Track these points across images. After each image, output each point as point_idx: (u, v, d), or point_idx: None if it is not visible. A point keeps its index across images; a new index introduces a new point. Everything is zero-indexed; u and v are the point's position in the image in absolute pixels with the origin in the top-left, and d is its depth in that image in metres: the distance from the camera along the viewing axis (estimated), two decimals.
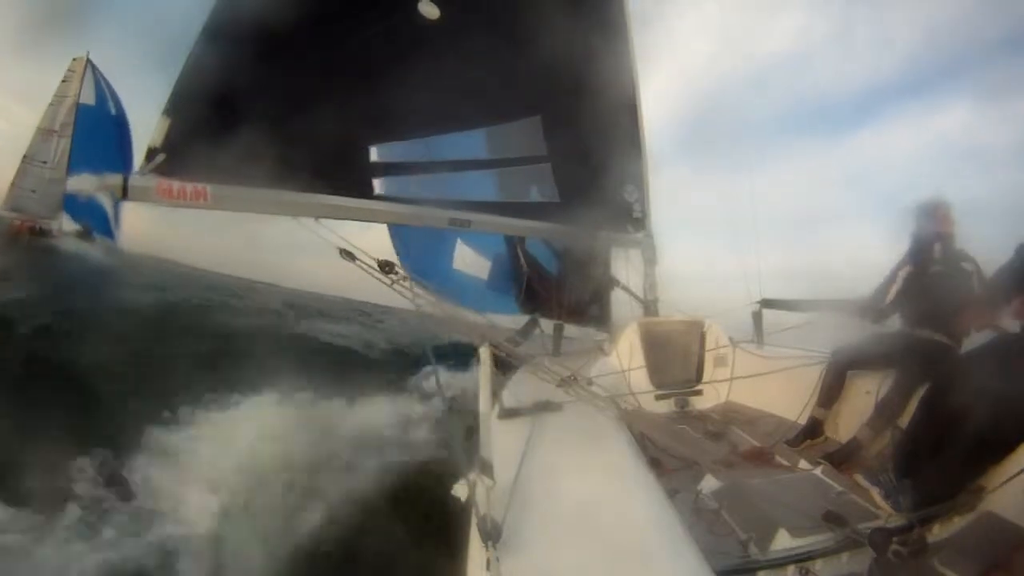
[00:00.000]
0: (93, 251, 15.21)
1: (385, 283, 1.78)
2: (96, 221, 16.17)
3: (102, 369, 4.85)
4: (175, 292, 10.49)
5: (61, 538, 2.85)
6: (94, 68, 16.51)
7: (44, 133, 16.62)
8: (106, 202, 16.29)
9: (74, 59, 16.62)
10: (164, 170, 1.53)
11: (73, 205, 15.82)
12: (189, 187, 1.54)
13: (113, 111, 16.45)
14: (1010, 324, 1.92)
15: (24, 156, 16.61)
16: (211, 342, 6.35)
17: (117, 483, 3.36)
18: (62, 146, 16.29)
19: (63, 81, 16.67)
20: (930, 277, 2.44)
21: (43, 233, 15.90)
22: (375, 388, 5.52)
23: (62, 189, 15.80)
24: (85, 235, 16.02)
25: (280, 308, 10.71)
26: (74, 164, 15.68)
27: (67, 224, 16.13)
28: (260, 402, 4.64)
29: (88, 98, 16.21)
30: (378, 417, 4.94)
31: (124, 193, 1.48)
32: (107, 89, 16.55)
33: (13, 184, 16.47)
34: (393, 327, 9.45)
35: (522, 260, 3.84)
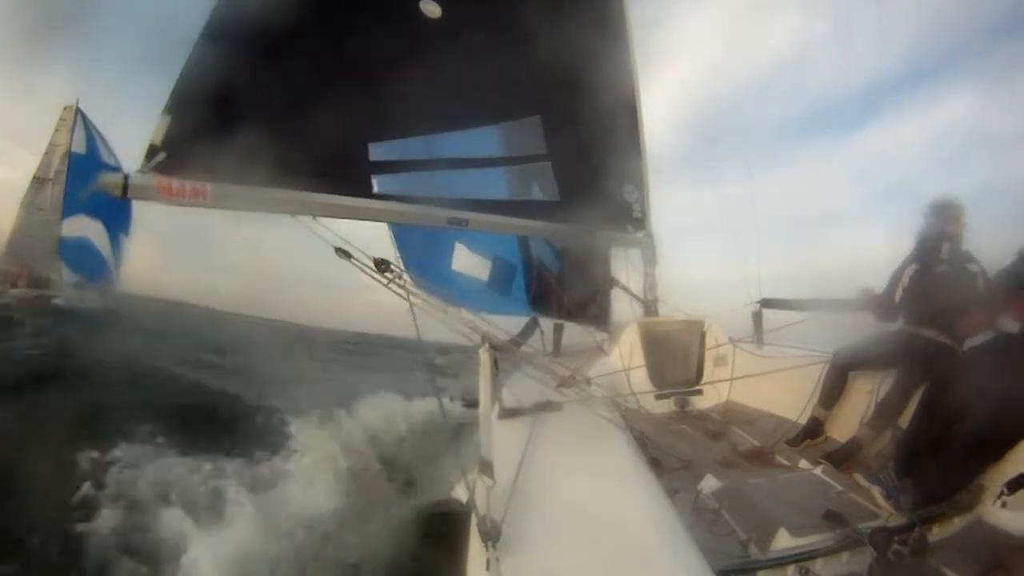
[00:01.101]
0: (90, 299, 15.34)
1: (381, 282, 1.77)
2: (93, 268, 16.28)
3: None
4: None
5: None
6: (84, 117, 16.77)
7: (39, 182, 17.01)
8: (103, 247, 16.42)
9: (64, 108, 16.95)
10: (164, 168, 1.52)
11: (70, 253, 15.98)
12: (188, 185, 1.53)
13: (105, 158, 16.58)
14: (1009, 325, 1.92)
15: (22, 204, 17.00)
16: None
17: None
18: (56, 193, 16.68)
19: (55, 131, 17.01)
20: (935, 277, 2.43)
21: (40, 281, 16.06)
22: None
23: (58, 233, 16.04)
24: (84, 282, 16.18)
25: None
26: (68, 210, 15.90)
27: (67, 273, 16.30)
28: None
29: (79, 147, 16.46)
30: None
31: (124, 191, 1.47)
32: (98, 137, 16.71)
33: (13, 231, 16.78)
34: None
35: (535, 260, 3.86)
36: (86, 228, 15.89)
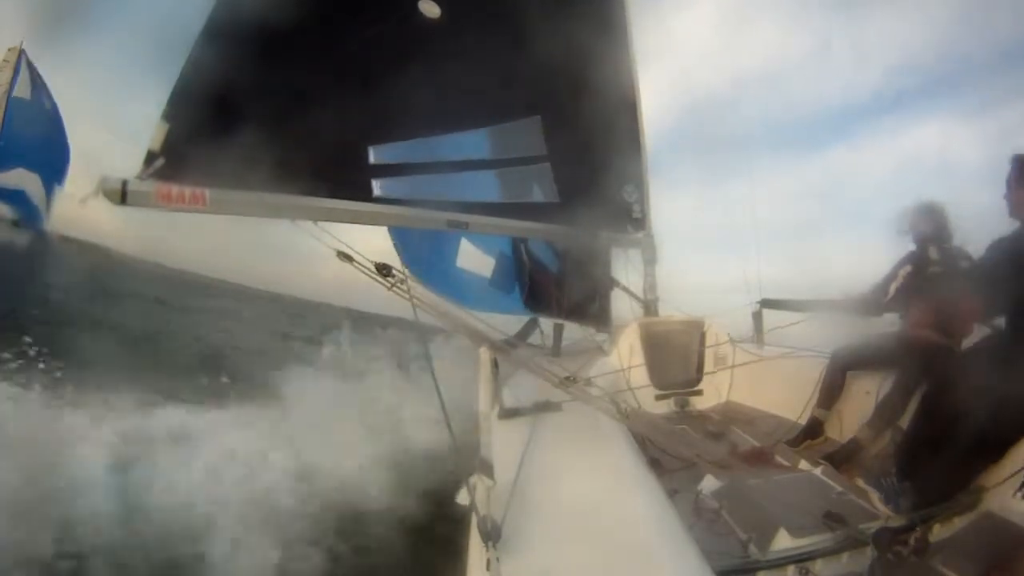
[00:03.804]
0: (19, 238, 15.31)
1: (384, 285, 1.77)
2: (25, 216, 16.37)
3: None
4: None
5: None
6: (29, 61, 16.41)
7: None
8: (39, 199, 16.35)
9: (8, 49, 16.44)
10: (163, 174, 1.53)
11: (5, 201, 16.03)
12: (187, 191, 1.53)
13: (48, 106, 16.54)
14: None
15: None
16: None
17: None
18: None
19: None
20: (929, 278, 2.46)
21: None
22: None
23: None
24: (15, 223, 16.20)
25: None
26: (6, 157, 15.79)
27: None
28: None
29: (24, 92, 16.19)
30: None
31: (123, 198, 1.47)
32: (42, 84, 16.52)
33: None
34: None
35: (525, 259, 3.85)
36: (23, 181, 16.02)
